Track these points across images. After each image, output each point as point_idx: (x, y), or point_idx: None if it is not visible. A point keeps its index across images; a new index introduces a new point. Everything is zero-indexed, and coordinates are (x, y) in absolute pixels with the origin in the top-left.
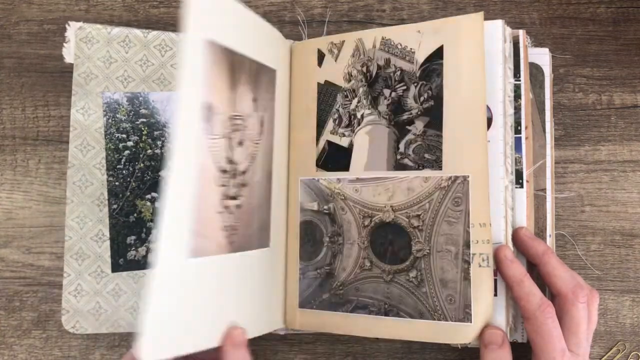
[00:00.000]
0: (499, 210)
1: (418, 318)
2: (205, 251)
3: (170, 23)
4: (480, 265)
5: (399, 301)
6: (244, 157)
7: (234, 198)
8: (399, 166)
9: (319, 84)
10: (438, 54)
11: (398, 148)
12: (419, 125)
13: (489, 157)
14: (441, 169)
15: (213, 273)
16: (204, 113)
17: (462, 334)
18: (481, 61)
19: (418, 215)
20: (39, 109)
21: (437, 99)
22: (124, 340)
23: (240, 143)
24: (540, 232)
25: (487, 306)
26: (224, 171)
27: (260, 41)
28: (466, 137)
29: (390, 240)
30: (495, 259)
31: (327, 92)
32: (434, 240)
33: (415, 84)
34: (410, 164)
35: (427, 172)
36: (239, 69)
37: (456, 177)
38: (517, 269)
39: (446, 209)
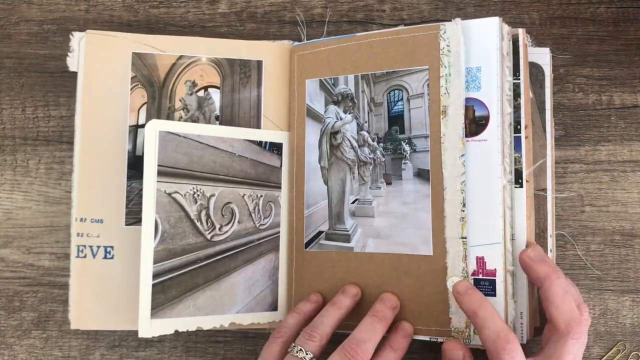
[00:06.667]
0: (497, 210)
1: None
2: None
3: (171, 23)
4: None
5: None
6: None
7: None
8: None
9: None
10: None
11: None
12: None
13: (485, 156)
14: None
15: None
16: None
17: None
18: None
19: None
20: (39, 109)
21: None
22: (124, 340)
23: None
24: (541, 232)
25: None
26: None
27: None
28: None
29: None
30: (454, 294)
31: None
32: None
33: None
34: None
35: None
36: None
37: None
38: (473, 298)
39: None
